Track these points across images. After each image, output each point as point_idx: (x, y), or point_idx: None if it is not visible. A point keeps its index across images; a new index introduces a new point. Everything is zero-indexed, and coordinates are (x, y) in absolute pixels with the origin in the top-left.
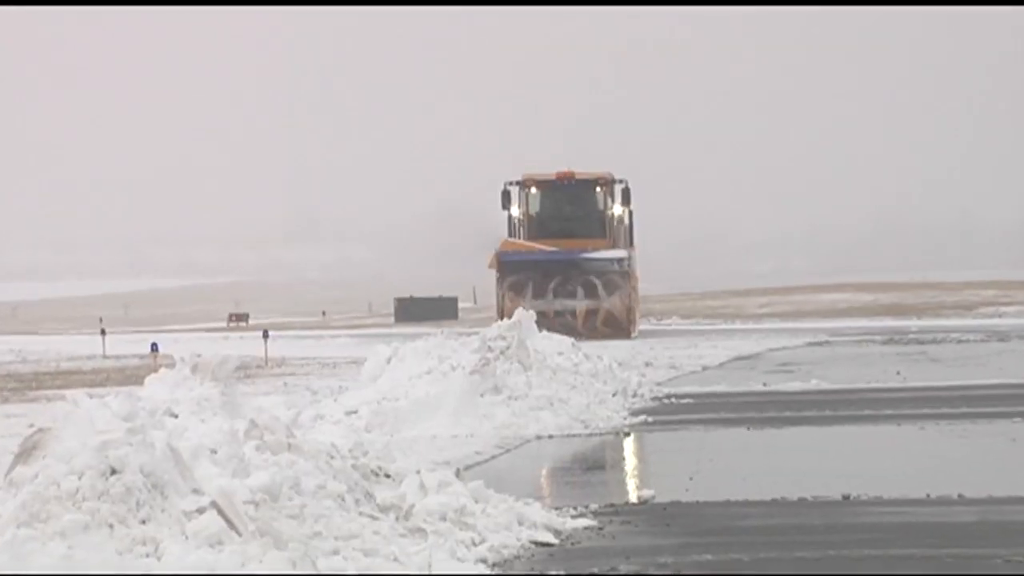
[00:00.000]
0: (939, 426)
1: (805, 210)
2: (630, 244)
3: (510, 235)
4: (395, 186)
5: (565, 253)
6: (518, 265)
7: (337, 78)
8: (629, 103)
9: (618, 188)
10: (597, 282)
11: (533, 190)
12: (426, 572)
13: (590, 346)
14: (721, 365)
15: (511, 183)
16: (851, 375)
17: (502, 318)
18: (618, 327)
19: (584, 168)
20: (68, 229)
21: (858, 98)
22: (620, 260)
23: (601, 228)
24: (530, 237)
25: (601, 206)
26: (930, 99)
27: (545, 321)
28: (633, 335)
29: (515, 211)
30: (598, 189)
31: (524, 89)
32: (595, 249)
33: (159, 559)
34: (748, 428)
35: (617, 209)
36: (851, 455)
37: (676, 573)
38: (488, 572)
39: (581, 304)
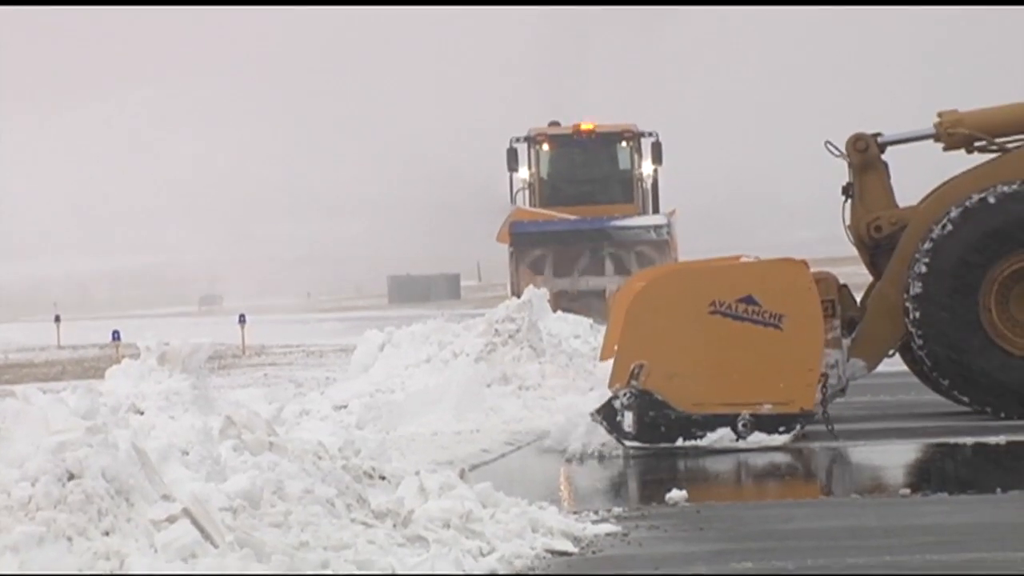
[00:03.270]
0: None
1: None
2: (656, 209)
3: (513, 201)
4: (386, 148)
5: (592, 222)
6: (535, 238)
7: (316, 31)
8: (650, 45)
9: (646, 143)
10: (631, 255)
11: (545, 147)
12: None
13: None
14: None
15: (518, 139)
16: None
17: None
18: None
19: (604, 120)
20: (11, 200)
21: (918, 48)
22: (658, 228)
23: (627, 191)
24: (542, 203)
25: (627, 164)
26: (989, 49)
27: (569, 302)
28: None
29: (524, 173)
30: (623, 144)
31: (530, 31)
32: (627, 216)
33: (125, 575)
34: None
35: (646, 168)
36: (908, 447)
37: None
38: None
39: (612, 282)
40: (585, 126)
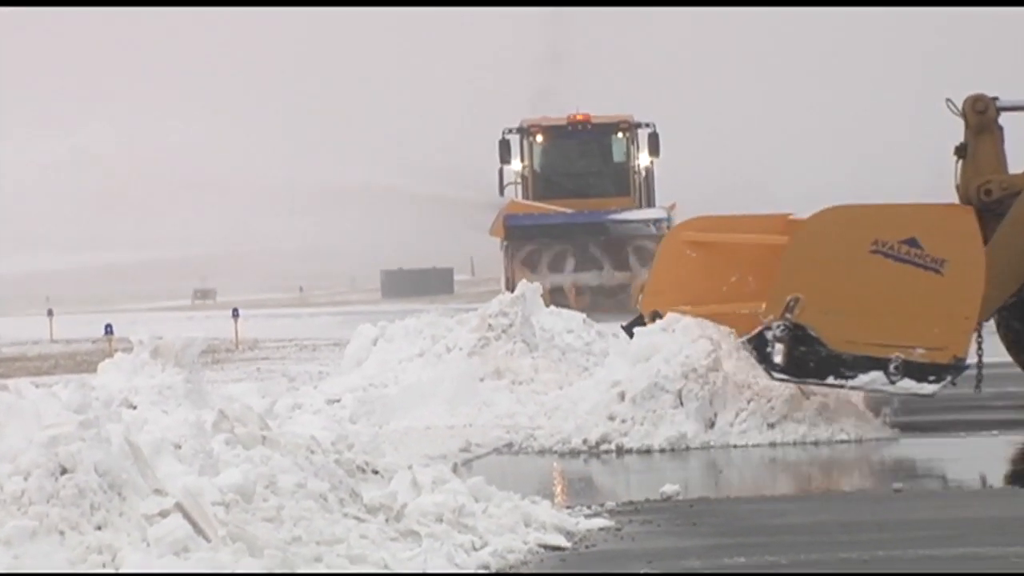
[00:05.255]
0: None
1: (858, 156)
2: (652, 202)
3: (502, 194)
4: (379, 142)
5: (589, 215)
6: (530, 231)
7: (308, 26)
8: (646, 34)
9: (643, 134)
10: (629, 250)
11: (539, 138)
12: None
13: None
14: None
15: (511, 131)
16: None
17: None
18: None
19: (599, 111)
20: (3, 194)
21: (918, 38)
22: (657, 222)
23: (623, 183)
24: (535, 196)
25: (623, 156)
26: (995, 40)
27: (565, 298)
28: None
29: (516, 165)
30: (619, 135)
31: (522, 23)
32: (625, 209)
33: (117, 569)
34: None
35: (643, 159)
36: (903, 441)
37: None
38: None
39: (609, 278)
40: (580, 116)
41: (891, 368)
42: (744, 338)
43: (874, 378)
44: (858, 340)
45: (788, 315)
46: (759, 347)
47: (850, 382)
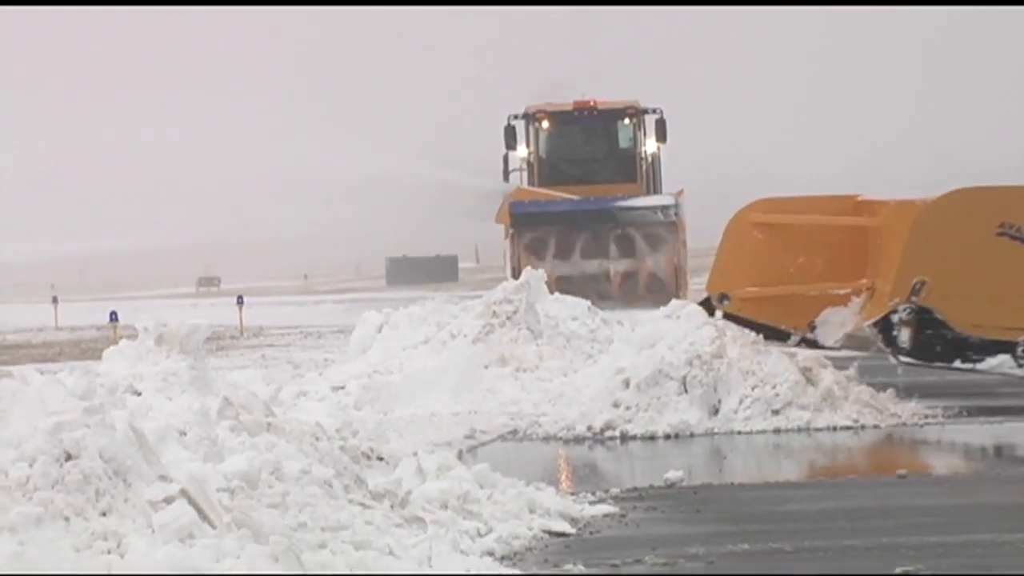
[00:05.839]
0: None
1: (861, 145)
2: (658, 189)
3: (506, 180)
4: (384, 129)
5: (596, 202)
6: (536, 218)
7: (312, 14)
8: (653, 21)
9: (650, 120)
10: (637, 237)
11: (544, 124)
12: (425, 567)
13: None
14: None
15: (516, 116)
16: None
17: None
18: (664, 292)
19: (605, 96)
20: (10, 183)
21: (920, 29)
22: (665, 208)
23: (630, 170)
24: (541, 183)
25: (629, 142)
26: (1005, 27)
27: (572, 286)
28: None
29: (521, 151)
30: (626, 121)
31: (527, 11)
32: (632, 196)
33: (122, 555)
34: None
35: (650, 145)
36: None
37: (708, 565)
38: (496, 566)
39: (617, 265)
40: (585, 102)
41: (1019, 351)
42: (870, 322)
43: (1001, 362)
44: (985, 324)
45: (914, 298)
46: (885, 331)
47: (977, 366)
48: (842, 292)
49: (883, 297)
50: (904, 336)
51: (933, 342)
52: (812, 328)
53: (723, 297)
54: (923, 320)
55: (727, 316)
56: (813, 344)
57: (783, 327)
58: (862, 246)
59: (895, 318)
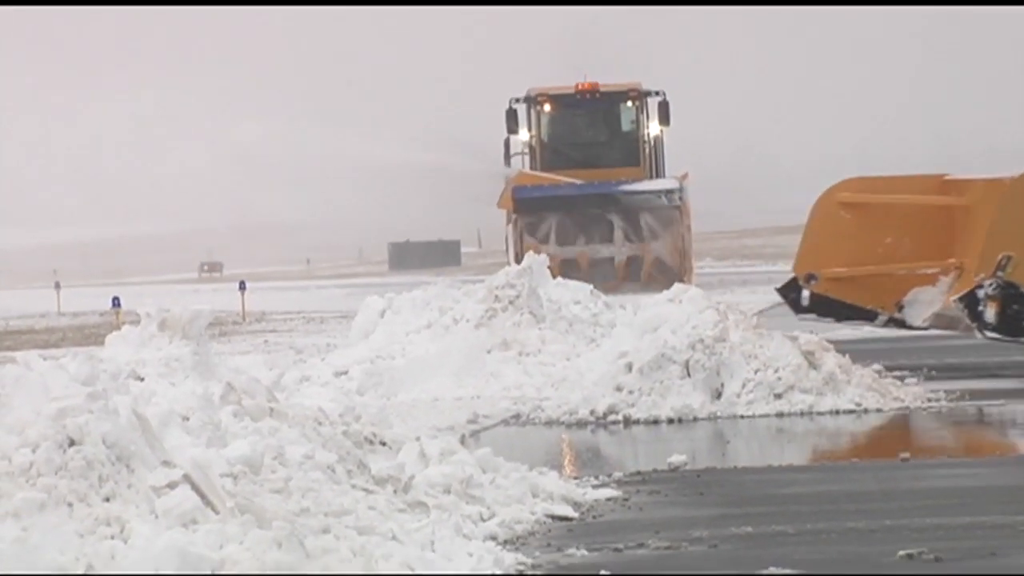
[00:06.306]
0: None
1: (861, 129)
2: (661, 172)
3: (507, 164)
4: (386, 114)
5: (599, 186)
6: (538, 203)
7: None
8: (658, 8)
9: (653, 102)
10: (641, 221)
11: (546, 108)
12: (428, 551)
13: (612, 295)
14: (762, 312)
15: (518, 100)
16: None
17: None
18: (669, 276)
19: (608, 79)
20: (12, 167)
21: (920, 13)
22: (670, 192)
23: (633, 153)
24: (543, 167)
25: (632, 125)
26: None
27: (576, 271)
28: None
29: (523, 135)
30: (628, 104)
31: None
32: (636, 180)
33: (125, 541)
34: None
35: (653, 128)
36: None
37: (711, 549)
38: (499, 550)
39: (621, 250)
40: (587, 85)
41: None
42: (955, 297)
43: None
44: None
45: (1000, 273)
46: (970, 306)
47: None
48: (930, 272)
49: (970, 274)
50: (990, 312)
51: (1020, 317)
52: (900, 308)
53: (811, 277)
54: (1009, 295)
55: (813, 296)
56: (901, 324)
57: (871, 307)
58: (950, 225)
59: (980, 293)
